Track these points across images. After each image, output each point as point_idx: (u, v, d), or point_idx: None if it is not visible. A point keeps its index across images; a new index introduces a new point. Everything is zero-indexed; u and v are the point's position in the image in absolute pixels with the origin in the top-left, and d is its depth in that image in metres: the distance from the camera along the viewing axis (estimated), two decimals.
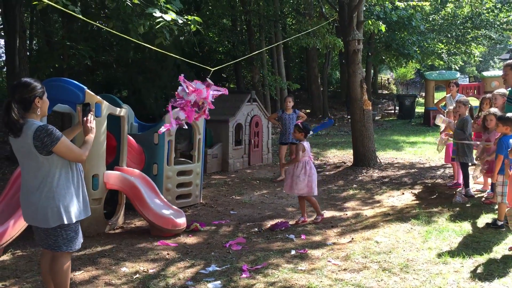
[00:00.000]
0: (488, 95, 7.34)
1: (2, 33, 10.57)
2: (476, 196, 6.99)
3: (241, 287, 4.11)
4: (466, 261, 4.50)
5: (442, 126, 7.62)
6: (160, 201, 5.99)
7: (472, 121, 7.11)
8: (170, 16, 6.42)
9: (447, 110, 8.08)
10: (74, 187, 3.45)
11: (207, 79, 4.94)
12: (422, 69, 31.91)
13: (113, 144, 6.32)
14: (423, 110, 20.52)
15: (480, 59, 30.70)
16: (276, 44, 16.27)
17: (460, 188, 7.25)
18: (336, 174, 9.48)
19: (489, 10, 22.23)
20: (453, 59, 26.73)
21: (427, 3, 18.64)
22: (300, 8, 18.71)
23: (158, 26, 6.46)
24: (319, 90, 23.24)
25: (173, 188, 7.01)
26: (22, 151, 3.35)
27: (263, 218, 6.47)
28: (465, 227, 5.57)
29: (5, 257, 4.93)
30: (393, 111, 24.60)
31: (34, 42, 18.65)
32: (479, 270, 4.28)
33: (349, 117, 15.71)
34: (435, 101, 16.56)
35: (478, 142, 6.95)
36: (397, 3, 13.62)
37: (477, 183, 7.68)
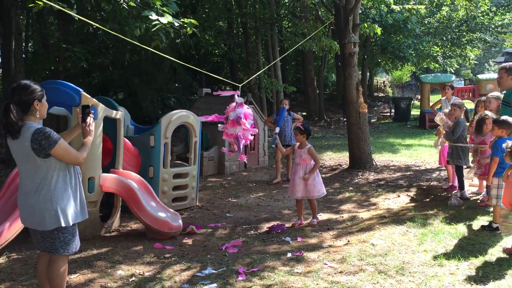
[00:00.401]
0: (483, 98, 7.37)
1: None
2: (471, 199, 7.01)
3: None
4: (462, 263, 4.52)
5: (440, 125, 7.63)
6: (156, 203, 5.98)
7: (468, 124, 7.14)
8: (166, 19, 6.43)
9: (442, 112, 8.11)
10: (71, 190, 3.45)
11: (236, 96, 5.32)
12: (417, 72, 32.06)
13: (109, 147, 6.31)
14: (418, 113, 20.59)
15: (475, 62, 30.84)
16: (287, 52, 16.29)
17: (456, 191, 7.27)
18: (332, 177, 9.49)
19: (484, 13, 22.36)
20: (448, 62, 26.85)
21: (423, 6, 18.73)
22: (296, 11, 18.76)
23: (154, 29, 6.46)
24: (315, 92, 23.30)
25: (169, 190, 7.00)
26: (20, 153, 3.35)
27: (259, 221, 6.47)
28: (461, 229, 5.59)
29: (1, 260, 4.91)
30: (389, 114, 24.66)
31: (30, 44, 18.61)
32: (474, 273, 4.30)
33: (345, 119, 15.75)
34: (431, 103, 16.62)
35: (473, 145, 6.98)
36: (393, 6, 13.67)
37: (472, 185, 7.71)
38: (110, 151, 6.32)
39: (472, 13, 22.53)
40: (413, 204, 7.02)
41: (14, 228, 4.93)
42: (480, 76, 19.20)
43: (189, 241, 5.61)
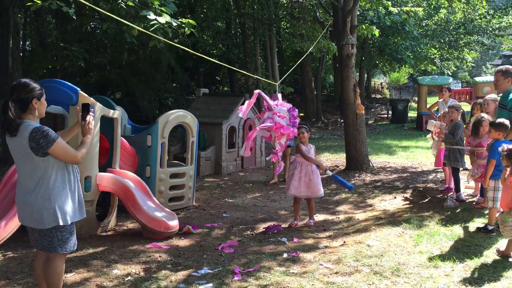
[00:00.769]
0: (479, 101, 7.39)
1: None
2: (467, 201, 7.03)
3: None
4: (457, 265, 4.54)
5: (434, 130, 7.67)
6: (153, 203, 5.98)
7: (464, 126, 7.17)
8: (164, 18, 6.43)
9: (439, 114, 8.14)
10: (70, 189, 3.45)
11: (276, 94, 5.45)
12: (415, 74, 32.10)
13: (106, 146, 6.31)
14: (415, 115, 20.62)
15: (473, 64, 30.94)
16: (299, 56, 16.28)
17: (452, 193, 7.29)
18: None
19: (482, 16, 22.44)
20: (445, 64, 26.92)
21: (421, 9, 18.78)
22: (294, 12, 18.77)
23: (152, 29, 6.47)
24: (312, 93, 23.31)
25: (166, 190, 7.00)
26: (18, 152, 3.35)
27: (255, 221, 6.48)
28: (456, 231, 5.61)
29: None
30: (386, 116, 24.70)
31: (28, 43, 18.59)
32: (469, 274, 4.32)
33: (342, 121, 15.80)
34: (428, 105, 16.67)
35: (470, 147, 7.00)
36: (391, 8, 13.70)
37: (468, 187, 7.74)
38: (107, 150, 6.33)
39: (469, 16, 22.62)
40: (409, 206, 7.04)
41: (10, 226, 4.93)
42: (477, 79, 19.26)
43: (185, 241, 5.61)
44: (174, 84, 18.42)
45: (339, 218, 6.55)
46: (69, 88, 5.40)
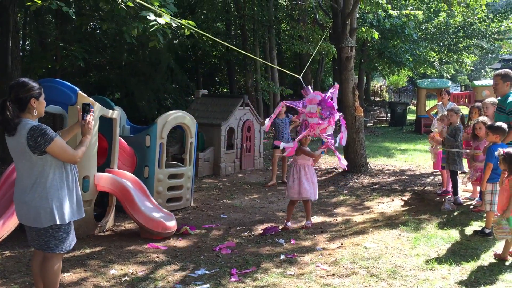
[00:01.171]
0: (477, 104, 7.42)
1: None
2: (464, 204, 7.04)
3: None
4: (454, 268, 4.55)
5: (436, 130, 7.65)
6: (151, 204, 5.99)
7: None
8: (164, 19, 6.45)
9: (438, 117, 8.15)
10: (68, 188, 3.45)
11: (308, 87, 5.47)
12: (414, 77, 32.16)
13: (104, 146, 6.32)
14: (414, 118, 20.64)
15: (472, 68, 30.95)
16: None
17: (449, 196, 7.31)
18: (327, 180, 9.52)
19: (481, 20, 22.45)
20: (445, 68, 26.94)
21: (420, 12, 18.80)
22: (294, 14, 18.79)
23: (152, 29, 6.48)
24: None
25: (164, 191, 7.01)
26: (16, 150, 3.35)
27: (253, 223, 6.48)
28: (453, 234, 5.62)
29: None
30: (385, 118, 24.71)
31: (27, 42, 18.58)
32: (466, 277, 4.33)
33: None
34: (427, 109, 16.69)
35: (467, 150, 7.02)
36: (390, 11, 13.71)
37: (465, 190, 7.75)
38: (106, 150, 6.33)
39: (469, 19, 22.63)
40: (406, 208, 7.05)
41: (8, 225, 4.93)
42: (476, 82, 19.28)
43: (182, 241, 5.61)
44: (174, 85, 18.43)
45: (336, 220, 6.56)
46: (68, 88, 5.40)
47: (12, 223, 4.92)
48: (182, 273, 4.54)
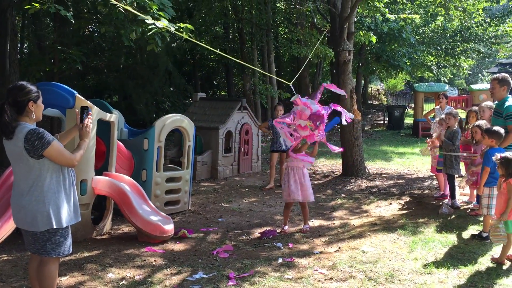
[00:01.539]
0: (475, 108, 7.44)
1: None
2: (462, 208, 7.06)
3: None
4: (451, 271, 4.55)
5: (434, 135, 7.68)
6: (148, 207, 5.98)
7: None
8: (162, 23, 6.45)
9: (435, 120, 8.17)
10: (65, 192, 3.44)
11: (298, 97, 5.38)
12: (412, 81, 32.23)
13: (102, 149, 6.31)
14: (412, 121, 20.69)
15: (469, 72, 31.08)
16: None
17: (447, 200, 7.32)
18: (325, 183, 9.52)
19: (478, 24, 22.54)
20: (442, 72, 27.05)
21: (417, 16, 18.88)
22: (292, 18, 18.84)
23: (150, 33, 6.48)
24: None
25: (162, 194, 7.00)
26: (14, 154, 3.34)
27: (251, 226, 6.48)
28: (451, 238, 5.63)
29: None
30: (382, 122, 24.75)
31: (25, 45, 18.56)
32: (463, 281, 4.33)
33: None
34: (424, 112, 16.72)
35: (464, 154, 7.04)
36: (388, 15, 13.77)
37: (463, 194, 7.76)
38: (104, 153, 6.32)
39: (466, 23, 22.73)
40: (404, 212, 7.06)
41: (5, 229, 4.91)
42: (474, 86, 19.32)
43: (180, 245, 5.61)
44: (171, 88, 18.44)
45: (334, 223, 6.56)
46: (66, 91, 5.40)
47: (9, 226, 4.91)
48: (179, 276, 4.53)
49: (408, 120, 23.55)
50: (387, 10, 13.38)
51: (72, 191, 3.51)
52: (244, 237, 5.95)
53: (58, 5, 6.85)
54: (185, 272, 4.64)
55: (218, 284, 4.31)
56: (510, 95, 5.98)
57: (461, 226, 6.11)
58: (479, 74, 48.97)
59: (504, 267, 4.66)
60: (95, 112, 5.57)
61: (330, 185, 9.32)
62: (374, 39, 12.28)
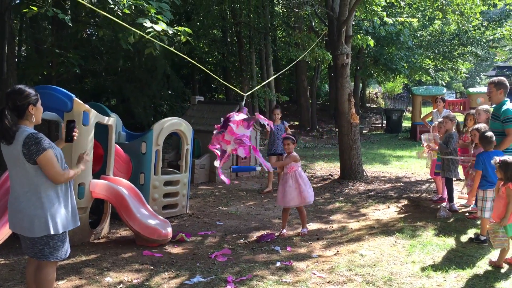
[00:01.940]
0: (472, 111, 7.46)
1: None
2: (460, 211, 7.06)
3: None
4: (449, 275, 4.55)
5: (425, 143, 7.73)
6: (146, 210, 5.97)
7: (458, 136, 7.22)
8: (160, 26, 6.46)
9: (433, 124, 8.19)
10: (62, 197, 3.43)
11: (243, 109, 5.27)
12: (409, 84, 32.30)
13: (100, 153, 6.30)
14: (410, 125, 20.72)
15: (467, 75, 31.13)
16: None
17: (445, 203, 7.32)
18: (323, 187, 9.52)
19: (476, 27, 22.62)
20: (440, 75, 27.09)
21: (415, 20, 18.94)
22: (290, 22, 18.89)
23: (148, 37, 6.49)
24: (307, 102, 23.37)
25: (160, 198, 6.99)
26: (11, 157, 3.33)
27: (249, 230, 6.47)
28: (449, 241, 5.63)
29: None
30: (380, 125, 24.80)
31: (23, 48, 18.54)
32: (461, 285, 4.33)
33: (337, 130, 15.85)
34: (422, 115, 16.76)
35: (462, 157, 7.04)
36: (386, 19, 13.81)
37: (461, 198, 7.77)
38: (101, 157, 6.32)
39: (463, 27, 22.80)
40: (402, 216, 7.06)
41: (2, 233, 4.89)
42: (471, 90, 19.39)
43: (178, 248, 5.60)
44: (169, 92, 18.45)
45: (332, 227, 6.55)
46: (64, 95, 5.40)
47: (6, 230, 4.88)
48: (177, 280, 4.52)
49: (406, 124, 23.59)
50: (384, 13, 13.42)
51: (69, 196, 3.50)
52: (242, 240, 5.94)
53: (56, 9, 6.85)
54: (183, 276, 4.63)
55: None
56: (508, 99, 6.00)
57: (459, 230, 6.10)
58: (477, 77, 49.15)
59: (502, 271, 4.66)
60: (93, 116, 5.57)
61: (328, 189, 9.32)
62: (372, 42, 12.32)
